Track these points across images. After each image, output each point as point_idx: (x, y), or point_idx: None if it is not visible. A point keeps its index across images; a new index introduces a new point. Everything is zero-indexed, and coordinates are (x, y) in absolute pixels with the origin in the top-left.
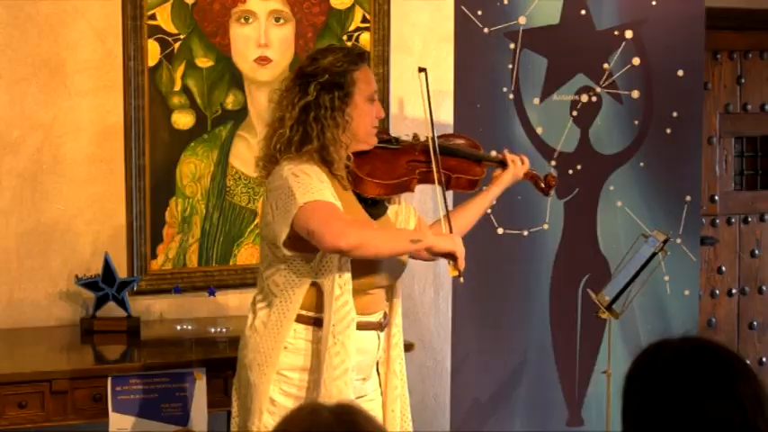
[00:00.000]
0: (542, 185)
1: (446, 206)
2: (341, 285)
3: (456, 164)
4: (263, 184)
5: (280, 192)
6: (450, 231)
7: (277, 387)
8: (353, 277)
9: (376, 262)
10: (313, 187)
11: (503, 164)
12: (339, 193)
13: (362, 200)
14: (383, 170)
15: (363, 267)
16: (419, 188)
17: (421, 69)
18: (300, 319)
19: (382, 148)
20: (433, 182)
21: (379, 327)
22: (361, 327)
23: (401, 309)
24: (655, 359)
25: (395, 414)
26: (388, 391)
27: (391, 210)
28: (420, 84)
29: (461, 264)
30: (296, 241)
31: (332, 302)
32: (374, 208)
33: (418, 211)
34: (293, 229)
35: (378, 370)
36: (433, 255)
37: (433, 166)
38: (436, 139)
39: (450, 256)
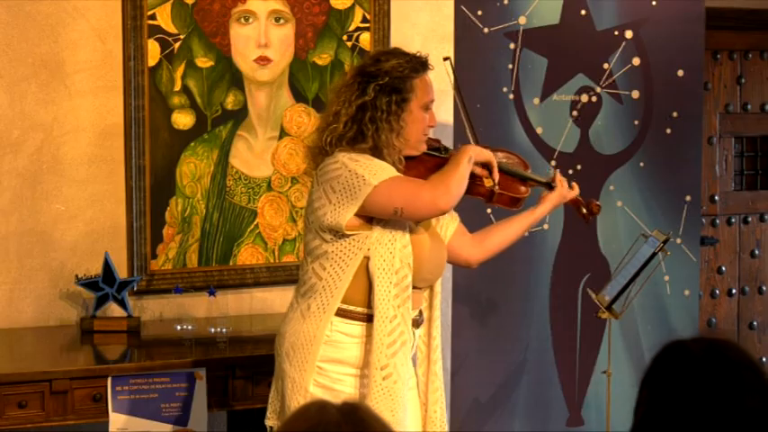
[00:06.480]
0: (584, 211)
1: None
2: (402, 259)
3: (501, 179)
4: (310, 175)
5: (339, 177)
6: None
7: (312, 379)
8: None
9: (417, 262)
10: (379, 167)
11: (549, 186)
12: None
13: None
14: (427, 177)
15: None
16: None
17: (445, 58)
18: (340, 312)
19: (429, 155)
20: (474, 194)
21: (414, 324)
22: None
23: (440, 310)
24: (683, 356)
25: (437, 415)
26: (429, 392)
27: None
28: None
29: (496, 174)
30: (355, 221)
31: (391, 275)
32: None
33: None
34: (362, 209)
35: (415, 371)
36: (476, 168)
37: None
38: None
39: (488, 167)
